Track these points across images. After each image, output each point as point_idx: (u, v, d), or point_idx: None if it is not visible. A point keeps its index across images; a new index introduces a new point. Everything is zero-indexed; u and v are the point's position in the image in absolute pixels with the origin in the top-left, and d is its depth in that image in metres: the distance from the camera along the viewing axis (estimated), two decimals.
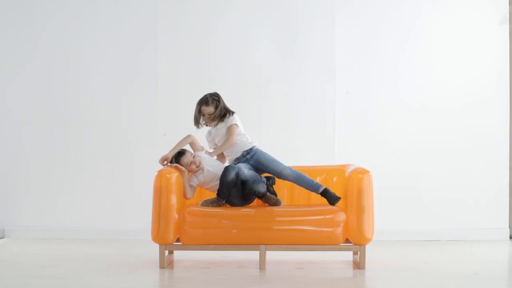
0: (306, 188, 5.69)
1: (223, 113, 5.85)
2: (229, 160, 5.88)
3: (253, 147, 5.82)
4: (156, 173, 5.49)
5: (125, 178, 7.02)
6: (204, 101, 5.85)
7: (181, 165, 5.65)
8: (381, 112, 7.04)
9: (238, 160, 5.80)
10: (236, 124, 5.81)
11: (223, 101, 5.87)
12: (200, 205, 5.58)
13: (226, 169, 5.59)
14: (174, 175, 5.48)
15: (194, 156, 5.69)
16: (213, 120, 5.84)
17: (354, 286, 5.00)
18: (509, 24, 7.02)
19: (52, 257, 6.00)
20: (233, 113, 5.88)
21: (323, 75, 7.03)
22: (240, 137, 5.82)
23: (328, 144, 7.01)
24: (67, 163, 7.06)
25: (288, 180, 5.71)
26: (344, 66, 7.03)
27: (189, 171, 5.68)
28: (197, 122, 5.88)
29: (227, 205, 5.62)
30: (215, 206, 5.55)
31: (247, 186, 5.55)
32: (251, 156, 5.78)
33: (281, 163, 5.73)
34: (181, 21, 7.05)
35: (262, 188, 5.54)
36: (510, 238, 7.02)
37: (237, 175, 5.55)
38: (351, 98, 7.03)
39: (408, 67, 7.04)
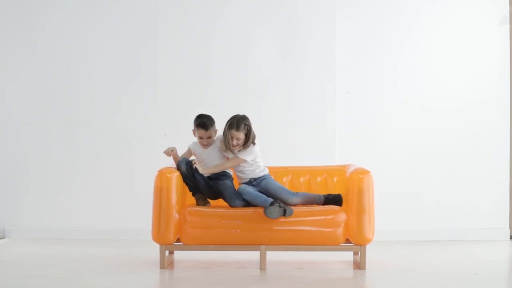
0: (313, 203, 5.66)
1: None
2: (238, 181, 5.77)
3: (263, 175, 5.68)
4: (157, 172, 5.49)
5: (125, 178, 7.02)
6: (235, 125, 5.50)
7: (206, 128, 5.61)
8: (381, 112, 7.04)
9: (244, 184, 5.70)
10: (245, 160, 5.57)
11: (252, 130, 5.57)
12: None
13: (178, 165, 5.58)
14: (174, 175, 5.48)
15: (214, 138, 5.68)
16: (238, 147, 5.55)
17: (354, 286, 5.00)
18: (509, 24, 7.02)
19: (52, 257, 6.00)
20: (254, 144, 5.60)
21: (323, 75, 7.03)
22: (253, 167, 5.64)
23: (328, 144, 7.01)
24: (67, 163, 7.06)
25: (297, 205, 5.61)
26: (344, 66, 7.03)
27: (199, 140, 5.66)
28: (228, 146, 5.55)
29: (208, 200, 5.65)
30: (201, 204, 5.60)
31: (224, 198, 5.61)
32: (257, 183, 5.65)
33: (288, 191, 5.63)
34: (181, 21, 7.05)
35: (238, 204, 5.54)
36: (510, 238, 7.02)
37: (188, 164, 5.53)
38: (351, 98, 7.03)
39: (408, 67, 7.04)
